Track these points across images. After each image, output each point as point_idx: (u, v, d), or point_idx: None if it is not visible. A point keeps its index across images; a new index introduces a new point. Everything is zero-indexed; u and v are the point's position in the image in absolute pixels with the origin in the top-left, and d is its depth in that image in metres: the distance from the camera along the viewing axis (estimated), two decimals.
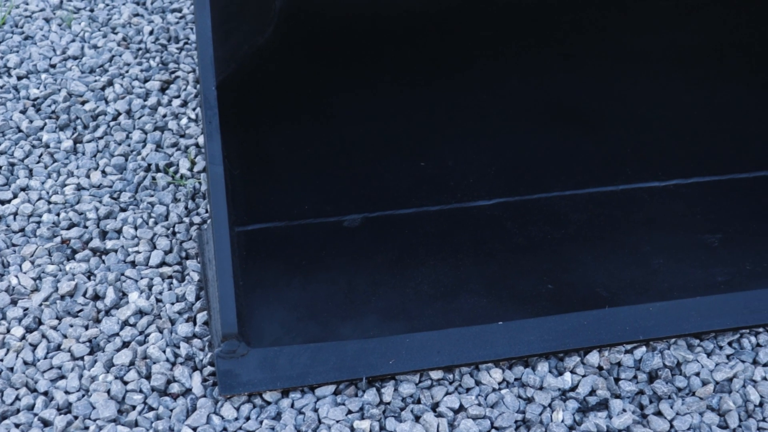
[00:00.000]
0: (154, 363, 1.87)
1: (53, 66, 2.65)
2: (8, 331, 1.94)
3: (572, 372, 1.88)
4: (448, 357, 1.85)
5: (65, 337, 1.93)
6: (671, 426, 1.80)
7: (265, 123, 2.33)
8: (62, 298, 2.00)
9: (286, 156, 2.25)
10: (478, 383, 1.86)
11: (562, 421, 1.79)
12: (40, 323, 1.96)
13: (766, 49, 2.67)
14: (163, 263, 2.08)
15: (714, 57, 2.65)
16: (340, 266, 2.00)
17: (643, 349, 1.91)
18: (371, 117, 2.37)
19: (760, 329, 1.96)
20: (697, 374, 1.88)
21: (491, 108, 2.47)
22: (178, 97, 2.53)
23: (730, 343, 1.95)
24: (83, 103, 2.51)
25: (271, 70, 2.45)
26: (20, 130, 2.44)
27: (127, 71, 2.60)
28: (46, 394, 1.83)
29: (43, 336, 1.93)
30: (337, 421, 1.76)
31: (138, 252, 2.10)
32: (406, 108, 2.43)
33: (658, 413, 1.82)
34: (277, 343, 1.83)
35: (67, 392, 1.83)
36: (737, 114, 2.45)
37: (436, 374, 1.86)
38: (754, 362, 1.91)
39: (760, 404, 1.83)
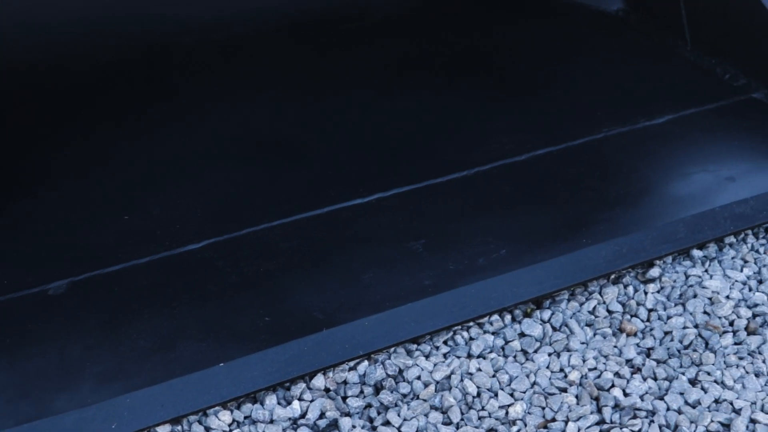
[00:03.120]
0: None
1: None
2: None
3: (300, 399, 1.90)
4: (173, 409, 1.82)
5: None
6: None
7: None
8: None
9: None
10: (207, 429, 1.84)
11: None
12: None
13: (448, 61, 2.84)
14: None
15: (399, 71, 2.79)
16: (49, 337, 1.92)
17: (366, 363, 1.97)
18: (65, 177, 2.30)
19: (470, 323, 2.06)
20: (419, 378, 1.96)
21: (190, 150, 2.46)
22: None
23: (445, 342, 2.04)
24: None
25: None
26: None
27: None
28: None
29: None
30: None
31: None
32: (102, 163, 2.38)
33: (387, 423, 1.87)
34: None
35: None
36: (426, 122, 2.58)
37: (163, 429, 1.82)
38: (469, 356, 2.01)
39: (478, 394, 1.93)
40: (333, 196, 2.31)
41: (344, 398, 1.92)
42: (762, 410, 1.90)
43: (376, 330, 1.98)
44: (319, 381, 1.93)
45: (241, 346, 1.92)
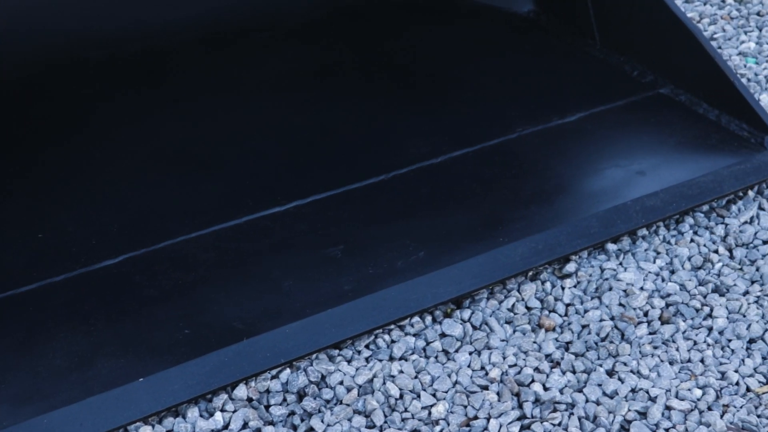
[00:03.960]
0: None
1: None
2: None
3: (222, 410, 1.89)
4: (92, 427, 1.79)
5: None
6: None
7: None
8: None
9: None
10: None
11: None
12: None
13: (361, 67, 2.85)
14: None
15: (313, 79, 2.79)
16: None
17: (288, 370, 1.96)
18: None
19: (392, 326, 2.07)
20: (341, 383, 1.96)
21: (104, 164, 2.43)
22: None
23: (367, 346, 2.04)
24: None
25: None
26: None
27: None
28: None
29: None
30: None
31: None
32: (12, 180, 2.34)
33: (310, 429, 1.88)
34: None
35: None
36: (342, 129, 2.59)
37: None
38: (391, 359, 2.02)
39: (401, 396, 1.94)
40: (251, 206, 2.31)
41: (267, 407, 1.91)
42: (676, 397, 1.94)
43: (297, 337, 1.98)
44: (241, 391, 1.92)
45: (160, 360, 1.91)
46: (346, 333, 2.02)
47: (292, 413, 1.90)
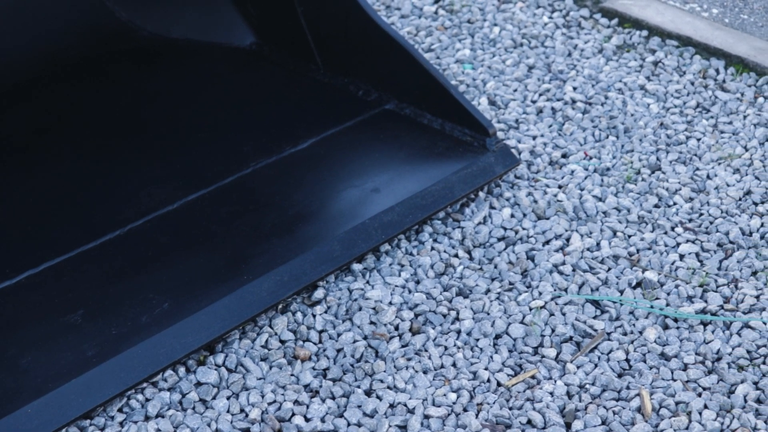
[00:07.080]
0: None
1: None
2: None
3: None
4: None
5: None
6: None
7: None
8: None
9: None
10: None
11: None
12: None
13: (87, 122, 2.75)
14: None
15: (34, 140, 2.67)
16: None
17: None
18: None
19: (144, 384, 2.00)
20: None
21: None
22: None
23: (120, 409, 1.97)
24: None
25: None
26: None
27: None
28: None
29: None
30: None
31: None
32: None
33: None
34: None
35: None
36: (71, 188, 2.49)
37: None
38: (146, 418, 1.95)
39: None
40: None
41: None
42: (433, 404, 1.98)
43: (41, 415, 1.88)
44: None
45: None
46: (95, 400, 1.93)
47: None
